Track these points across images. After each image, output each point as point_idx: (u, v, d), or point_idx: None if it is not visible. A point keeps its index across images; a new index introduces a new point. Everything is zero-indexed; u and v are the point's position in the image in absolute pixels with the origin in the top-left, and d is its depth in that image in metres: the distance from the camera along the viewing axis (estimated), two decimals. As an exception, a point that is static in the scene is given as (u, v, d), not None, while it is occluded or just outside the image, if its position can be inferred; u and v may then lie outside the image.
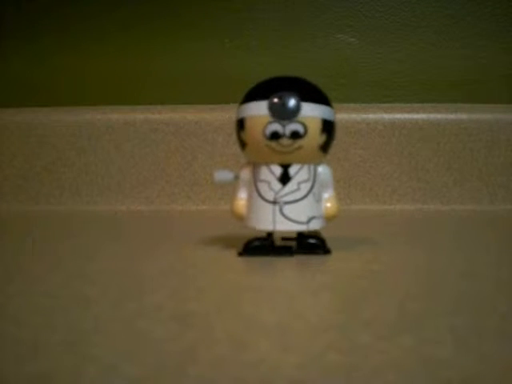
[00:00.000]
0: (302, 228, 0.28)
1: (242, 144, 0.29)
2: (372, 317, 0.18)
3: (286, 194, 0.28)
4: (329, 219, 0.29)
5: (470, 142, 0.50)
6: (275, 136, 0.27)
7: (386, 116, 0.50)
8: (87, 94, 0.54)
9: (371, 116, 0.50)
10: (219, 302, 0.20)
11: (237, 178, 0.29)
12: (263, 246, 0.29)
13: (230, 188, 0.30)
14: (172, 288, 0.22)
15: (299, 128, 0.27)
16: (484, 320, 0.17)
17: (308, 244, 0.29)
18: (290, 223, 0.28)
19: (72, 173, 0.52)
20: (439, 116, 0.50)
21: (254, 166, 0.29)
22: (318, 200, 0.29)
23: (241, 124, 0.28)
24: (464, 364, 0.14)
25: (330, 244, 0.29)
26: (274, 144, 0.27)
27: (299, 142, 0.27)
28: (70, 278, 0.24)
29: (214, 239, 0.33)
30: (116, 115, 0.52)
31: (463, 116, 0.50)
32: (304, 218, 0.28)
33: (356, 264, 0.26)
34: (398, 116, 0.50)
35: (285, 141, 0.27)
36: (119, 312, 0.19)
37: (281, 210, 0.28)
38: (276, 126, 0.27)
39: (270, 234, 0.29)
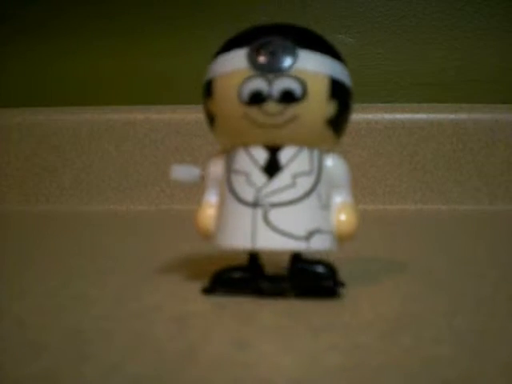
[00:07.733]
0: (298, 246, 0.18)
1: (211, 118, 0.19)
2: (372, 317, 0.18)
3: (274, 192, 0.18)
4: (342, 239, 0.19)
5: (469, 142, 0.50)
6: (257, 98, 0.17)
7: (386, 116, 0.50)
8: (87, 94, 0.54)
9: (371, 116, 0.50)
10: (219, 301, 0.20)
11: (203, 176, 0.21)
12: (240, 281, 0.19)
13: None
14: (172, 288, 0.22)
15: (294, 86, 0.17)
16: (484, 320, 0.17)
17: (308, 275, 0.19)
18: (278, 237, 0.18)
19: (72, 173, 0.52)
20: (439, 116, 0.50)
21: (228, 153, 0.20)
22: (326, 206, 0.19)
23: (208, 89, 0.19)
24: (464, 364, 0.14)
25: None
26: (255, 112, 0.18)
27: (294, 109, 0.18)
28: (70, 277, 0.24)
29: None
30: (116, 115, 0.52)
31: (463, 116, 0.50)
32: (301, 231, 0.18)
33: (353, 265, 0.26)
34: (398, 116, 0.50)
35: (272, 106, 0.17)
36: (119, 312, 0.19)
37: (265, 217, 0.18)
38: (258, 83, 0.17)
39: (252, 258, 0.19)
